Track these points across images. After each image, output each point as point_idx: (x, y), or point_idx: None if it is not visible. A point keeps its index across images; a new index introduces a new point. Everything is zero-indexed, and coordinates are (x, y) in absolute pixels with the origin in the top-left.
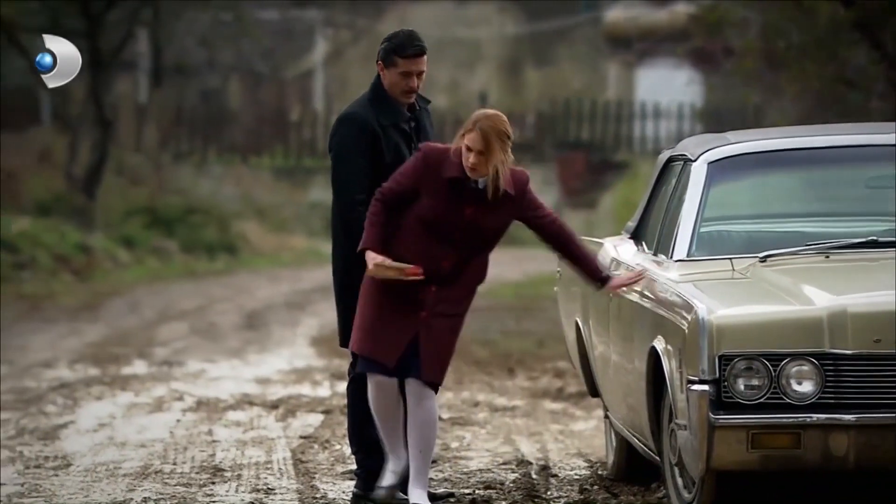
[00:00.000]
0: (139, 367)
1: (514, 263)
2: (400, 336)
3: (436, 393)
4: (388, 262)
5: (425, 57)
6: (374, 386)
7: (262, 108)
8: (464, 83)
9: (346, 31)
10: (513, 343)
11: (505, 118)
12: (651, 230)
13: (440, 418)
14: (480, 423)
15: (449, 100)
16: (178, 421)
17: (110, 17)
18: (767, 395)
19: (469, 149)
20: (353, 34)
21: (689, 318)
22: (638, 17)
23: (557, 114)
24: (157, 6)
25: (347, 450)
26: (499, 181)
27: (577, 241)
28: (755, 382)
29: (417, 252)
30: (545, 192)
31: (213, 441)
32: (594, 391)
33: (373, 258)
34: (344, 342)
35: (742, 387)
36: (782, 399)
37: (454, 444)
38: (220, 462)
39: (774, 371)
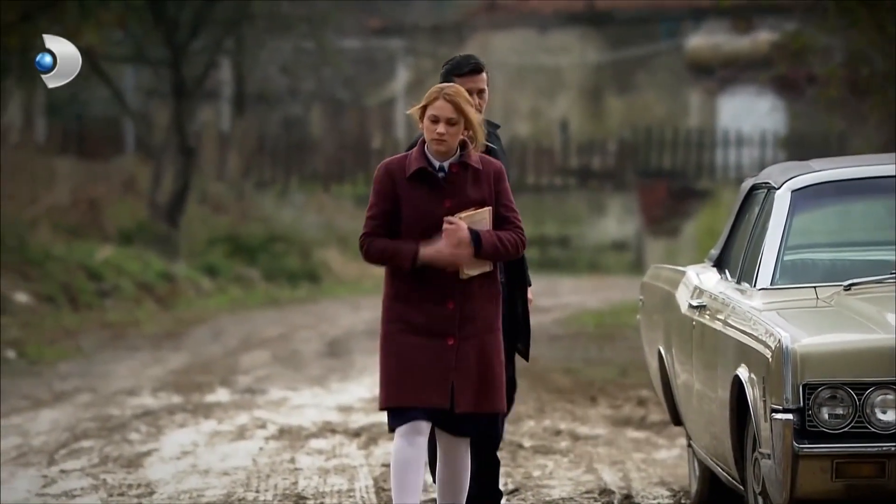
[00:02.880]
0: (222, 394)
1: (597, 292)
2: (440, 373)
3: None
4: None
5: (483, 75)
6: (403, 436)
7: (343, 136)
8: (545, 111)
9: (428, 60)
10: (595, 371)
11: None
12: (734, 258)
13: (521, 446)
14: (563, 451)
15: (530, 127)
16: (261, 449)
17: (194, 47)
18: (852, 424)
19: (435, 119)
20: (435, 63)
21: (772, 346)
22: (720, 45)
23: (639, 142)
24: (240, 35)
25: (429, 478)
26: (468, 153)
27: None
28: (839, 411)
29: (422, 268)
30: (626, 221)
31: (296, 469)
32: (677, 420)
33: (434, 245)
34: None
35: (826, 415)
36: (867, 428)
37: (536, 473)
38: (303, 490)
39: (859, 400)
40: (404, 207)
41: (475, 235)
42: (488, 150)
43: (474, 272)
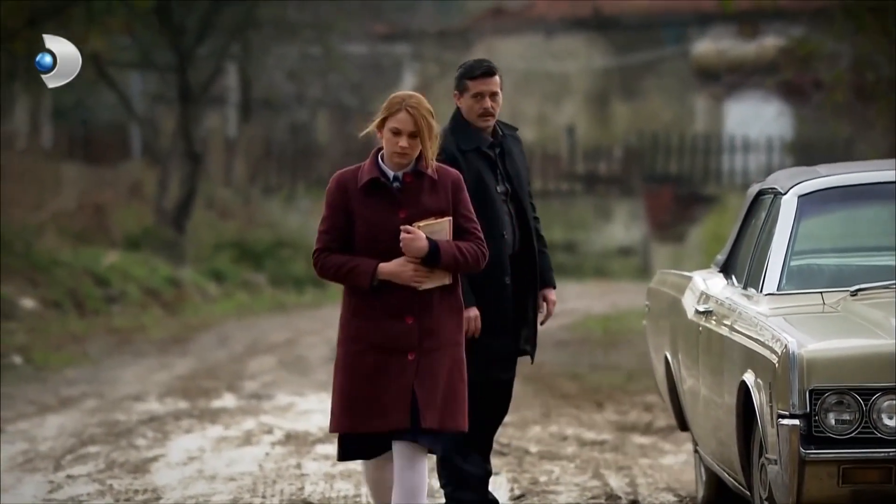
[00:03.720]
0: (228, 400)
1: (603, 297)
2: (400, 391)
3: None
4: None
5: (496, 78)
6: (372, 469)
7: (350, 141)
8: (551, 116)
9: (434, 66)
10: (601, 377)
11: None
12: (741, 263)
13: (528, 452)
14: (569, 457)
15: (536, 133)
16: (267, 454)
17: (200, 52)
18: (858, 430)
19: (397, 132)
20: (441, 68)
21: (779, 352)
22: (726, 50)
23: (645, 147)
24: (247, 41)
25: (436, 483)
26: (424, 162)
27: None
28: (846, 417)
29: (379, 283)
30: (633, 226)
31: (302, 474)
32: (683, 425)
33: (393, 263)
34: None
35: (833, 421)
36: (873, 433)
37: (542, 479)
38: (309, 495)
39: (865, 405)
40: (358, 220)
41: (433, 245)
42: (505, 151)
43: (433, 284)
